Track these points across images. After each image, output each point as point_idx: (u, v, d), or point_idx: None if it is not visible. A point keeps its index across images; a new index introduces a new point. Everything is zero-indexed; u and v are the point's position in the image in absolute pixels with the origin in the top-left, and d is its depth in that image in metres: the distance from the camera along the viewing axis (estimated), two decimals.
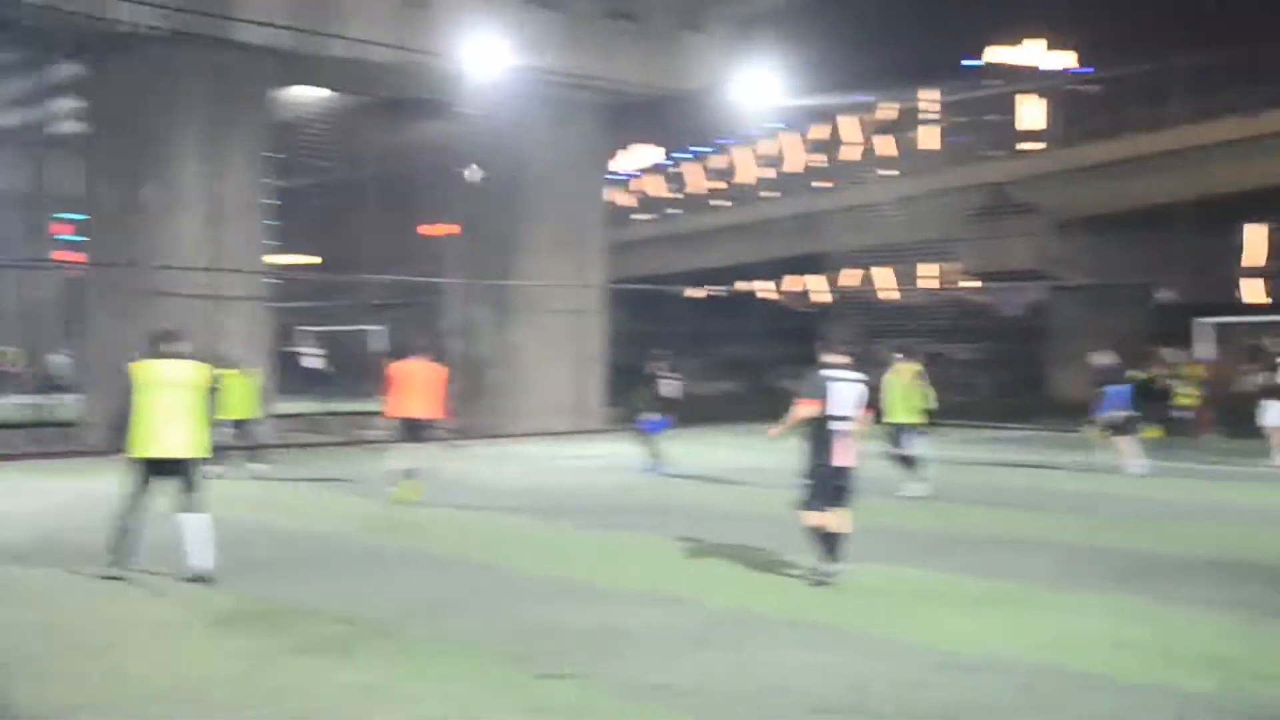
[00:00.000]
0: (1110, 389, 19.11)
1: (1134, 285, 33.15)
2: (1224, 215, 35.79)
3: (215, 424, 11.03)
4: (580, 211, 30.13)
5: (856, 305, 36.09)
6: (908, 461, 16.11)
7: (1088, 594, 9.54)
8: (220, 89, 24.07)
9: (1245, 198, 34.74)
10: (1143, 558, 11.26)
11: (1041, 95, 38.50)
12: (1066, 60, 39.17)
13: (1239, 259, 39.66)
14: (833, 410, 9.68)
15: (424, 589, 9.91)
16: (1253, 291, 39.60)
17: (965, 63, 39.06)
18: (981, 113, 36.49)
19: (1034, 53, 40.61)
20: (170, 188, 23.88)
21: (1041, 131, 35.92)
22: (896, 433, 16.08)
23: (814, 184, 42.25)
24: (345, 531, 13.23)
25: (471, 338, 29.31)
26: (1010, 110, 37.75)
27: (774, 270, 42.37)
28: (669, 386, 19.47)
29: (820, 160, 43.11)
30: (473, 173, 25.95)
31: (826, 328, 10.37)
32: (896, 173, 37.23)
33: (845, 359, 9.90)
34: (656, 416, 19.43)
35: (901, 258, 36.29)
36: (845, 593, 9.59)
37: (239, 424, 18.54)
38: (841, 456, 9.75)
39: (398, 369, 15.61)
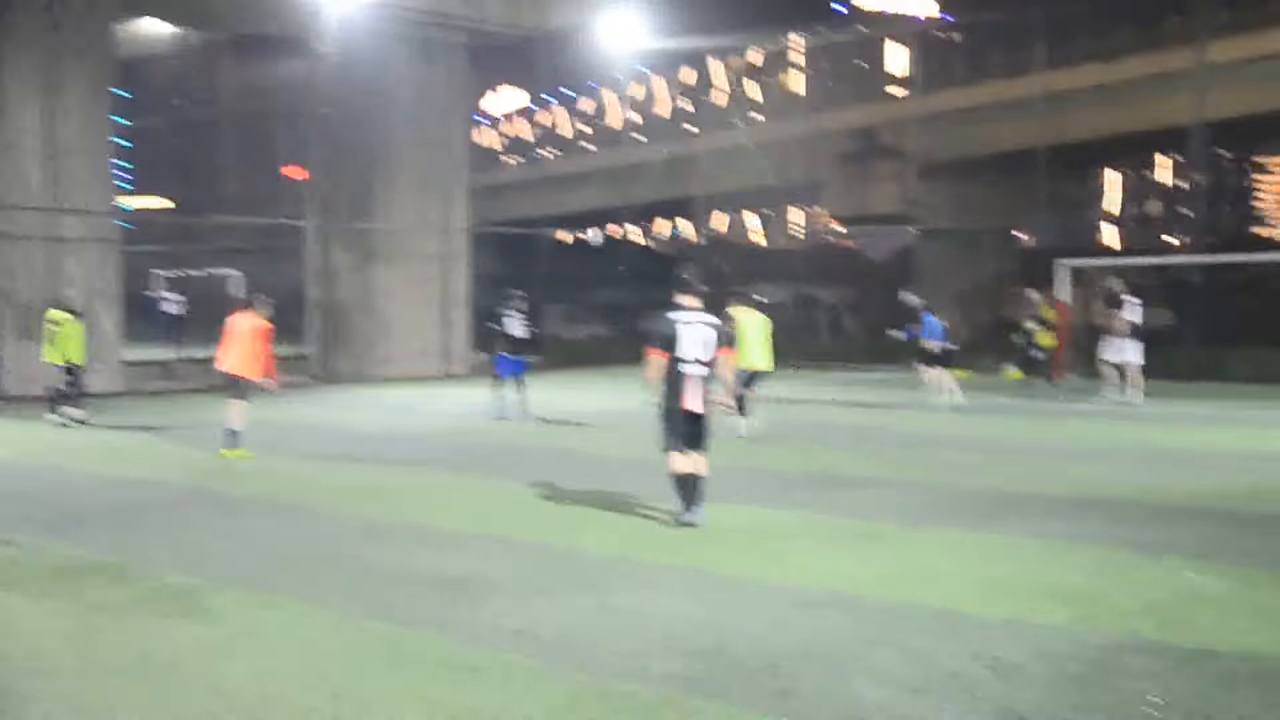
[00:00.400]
0: (911, 327, 20.24)
1: (997, 229, 33.67)
2: (1083, 161, 36.52)
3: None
4: (445, 154, 29.46)
5: (725, 249, 36.00)
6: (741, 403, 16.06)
7: (945, 531, 9.56)
8: (58, 20, 22.81)
9: (1104, 144, 35.47)
10: (999, 496, 11.31)
11: (906, 41, 38.71)
12: (929, 7, 39.42)
13: (1098, 204, 40.60)
14: (682, 354, 9.58)
15: (275, 539, 9.51)
16: (1111, 235, 40.61)
17: (834, 6, 39.06)
18: (849, 58, 36.54)
19: None
20: (4, 125, 22.62)
21: (907, 77, 36.13)
22: (748, 377, 15.90)
23: (682, 128, 42.06)
24: (190, 481, 12.68)
25: (333, 282, 28.51)
26: (877, 56, 37.90)
27: (644, 214, 42.13)
28: (516, 326, 18.98)
29: (688, 104, 42.87)
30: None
31: (677, 270, 10.22)
32: (764, 117, 37.14)
33: (696, 301, 9.81)
34: (511, 357, 18.99)
35: (770, 202, 36.26)
36: (706, 535, 9.49)
37: (71, 370, 17.83)
38: (692, 400, 9.63)
39: (229, 322, 14.81)
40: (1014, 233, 35.89)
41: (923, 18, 38.07)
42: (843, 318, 35.07)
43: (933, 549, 8.93)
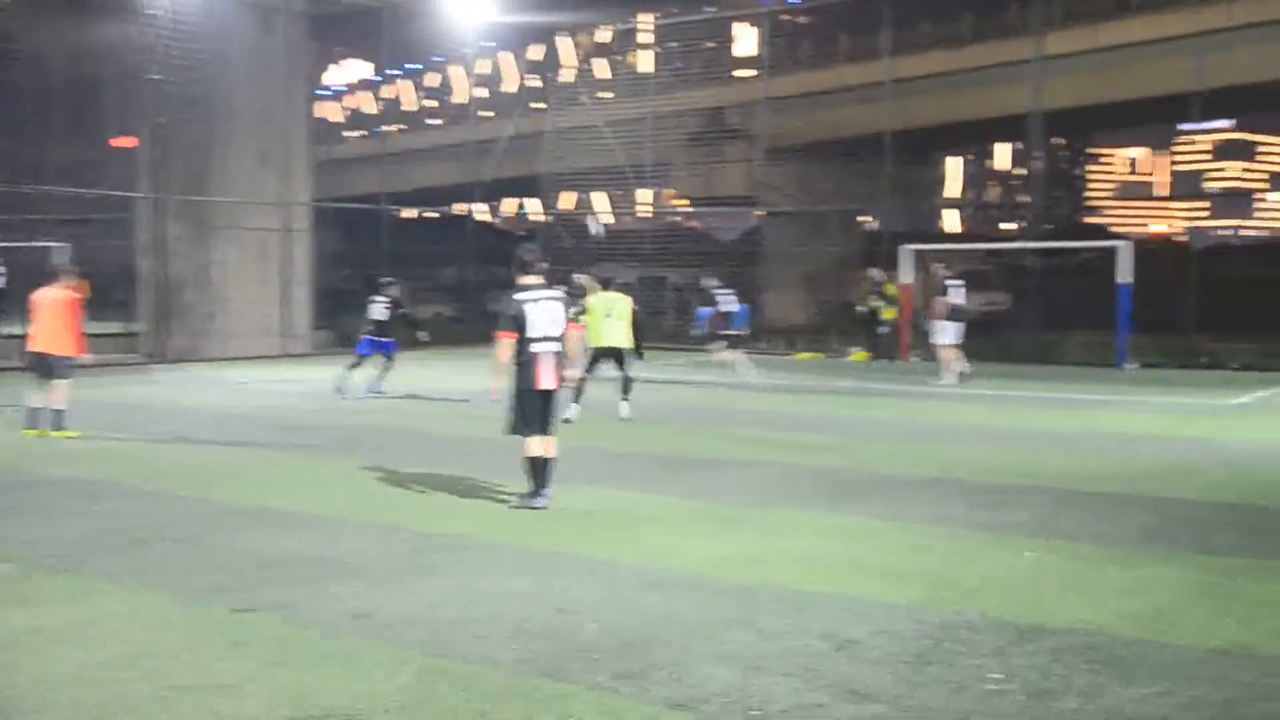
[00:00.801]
0: (704, 310, 21.36)
1: (842, 212, 34.16)
2: (928, 146, 37.28)
3: None
4: (284, 125, 28.63)
5: (573, 228, 35.79)
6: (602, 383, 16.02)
7: (795, 512, 9.61)
8: None
9: (947, 130, 36.30)
10: (847, 477, 11.44)
11: (755, 23, 38.96)
12: None
13: (942, 189, 41.50)
14: (531, 333, 9.47)
15: (109, 523, 9.08)
16: (953, 220, 41.58)
17: None
18: (698, 38, 36.61)
19: None
20: None
21: (755, 59, 36.37)
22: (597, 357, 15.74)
23: (531, 105, 41.66)
24: (15, 464, 12.07)
25: (166, 256, 27.45)
26: (726, 37, 38.06)
27: (491, 192, 41.61)
28: (378, 310, 19.09)
29: (537, 81, 42.48)
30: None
31: (518, 250, 10.04)
32: (613, 96, 37.01)
33: (540, 279, 9.73)
34: (375, 339, 19.10)
35: (618, 182, 36.15)
36: (557, 517, 9.39)
37: None
38: (545, 379, 9.55)
39: (35, 296, 14.07)
40: (859, 216, 36.50)
41: (770, 0, 38.43)
42: (691, 299, 35.21)
43: (782, 529, 8.96)
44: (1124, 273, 24.54)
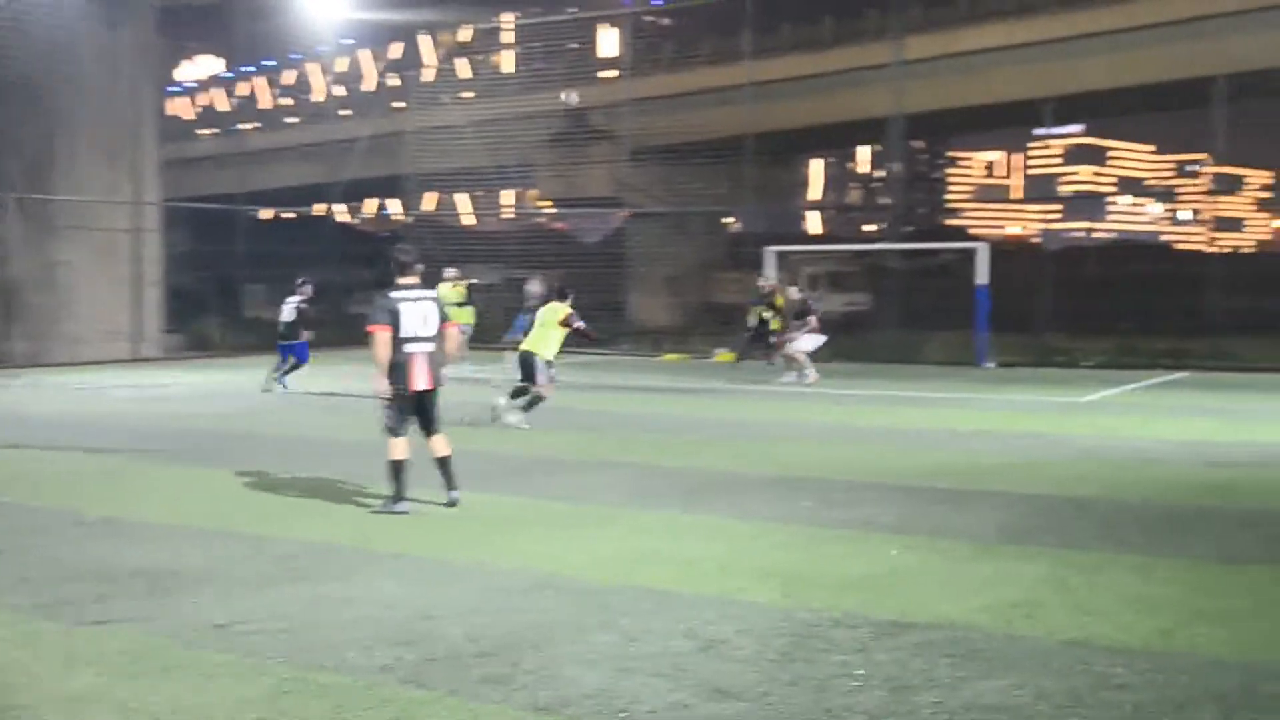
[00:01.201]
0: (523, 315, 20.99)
1: (706, 214, 34.35)
2: (790, 149, 37.72)
3: None
4: (133, 122, 27.72)
5: (436, 230, 35.32)
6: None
7: (660, 513, 9.59)
8: None
9: (809, 133, 36.76)
10: (710, 476, 11.45)
11: (617, 24, 38.97)
12: None
13: (805, 191, 42.01)
14: (404, 333, 9.44)
15: None
16: (815, 222, 42.12)
17: None
18: (560, 38, 36.46)
19: None
20: None
21: (618, 61, 36.42)
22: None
23: (392, 105, 41.05)
24: None
25: (5, 256, 26.35)
26: (589, 38, 37.96)
27: (351, 192, 40.88)
28: (287, 312, 20.03)
29: (397, 80, 41.80)
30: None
31: (394, 250, 10.02)
32: (474, 95, 36.65)
33: (414, 279, 9.73)
34: (283, 341, 20.05)
35: (482, 183, 35.80)
36: (422, 521, 9.26)
37: None
38: (418, 380, 9.51)
39: None
40: (724, 218, 36.74)
41: (631, 0, 38.43)
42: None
43: (645, 530, 8.93)
44: (982, 274, 25.12)
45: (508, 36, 37.13)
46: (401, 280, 9.60)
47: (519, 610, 6.74)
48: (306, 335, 20.08)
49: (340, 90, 46.00)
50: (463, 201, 46.76)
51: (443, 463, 9.68)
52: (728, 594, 7.04)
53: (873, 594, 7.04)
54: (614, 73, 37.15)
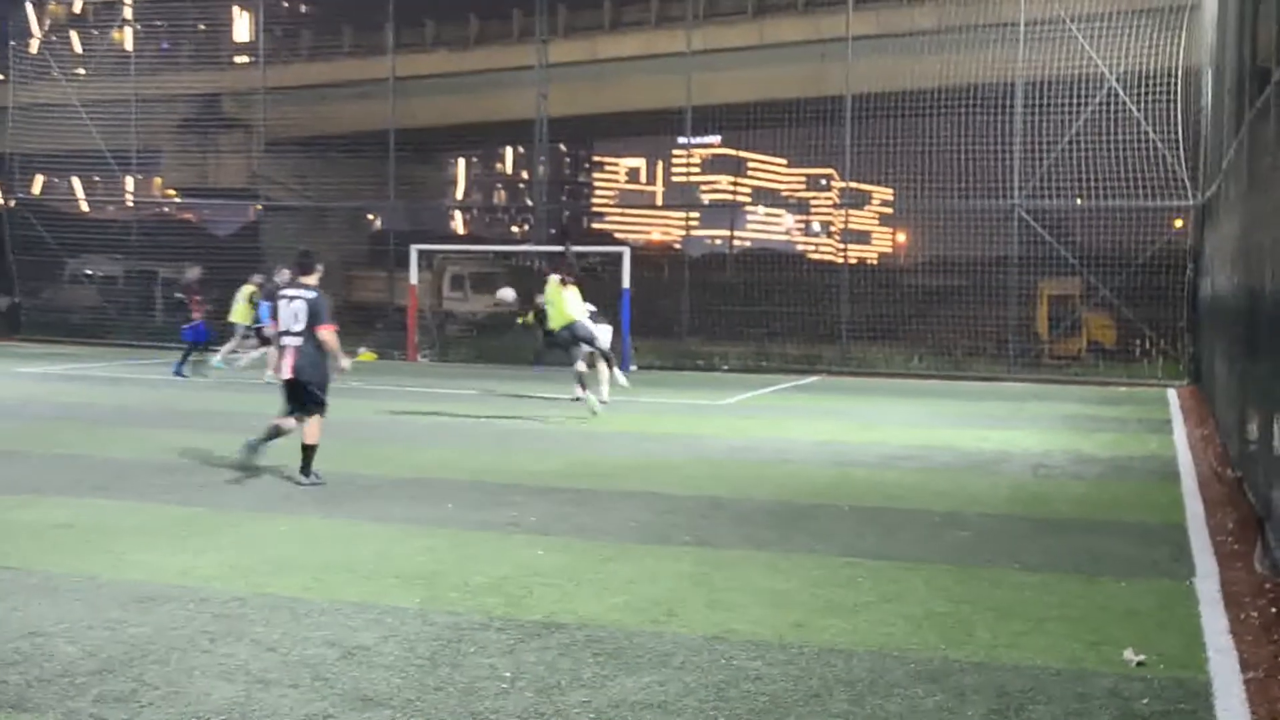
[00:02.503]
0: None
1: (346, 209, 33.48)
2: (434, 146, 37.30)
3: None
4: None
5: (45, 215, 32.70)
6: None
7: (285, 517, 9.24)
8: None
9: (453, 131, 36.50)
10: (346, 479, 11.13)
11: (249, 8, 37.41)
12: None
13: (451, 190, 41.64)
14: (280, 326, 10.78)
15: None
16: (460, 222, 41.81)
17: None
18: (188, 19, 34.54)
19: None
20: None
21: (253, 47, 34.95)
22: None
23: None
24: None
25: None
26: (221, 20, 36.20)
27: None
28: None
29: None
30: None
31: (300, 249, 11.65)
32: (85, 72, 34.15)
33: (312, 279, 10.87)
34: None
35: (99, 167, 33.44)
36: (25, 531, 8.53)
37: None
38: (285, 370, 10.80)
39: None
40: (365, 215, 35.93)
41: None
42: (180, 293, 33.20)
43: (272, 536, 8.55)
44: (625, 278, 25.63)
45: (128, 12, 34.83)
46: (301, 279, 10.85)
47: (142, 623, 6.30)
48: None
49: None
50: (77, 186, 43.63)
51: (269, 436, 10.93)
52: (369, 600, 6.82)
53: (518, 595, 6.97)
54: (247, 59, 35.61)
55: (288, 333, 10.66)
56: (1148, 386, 22.87)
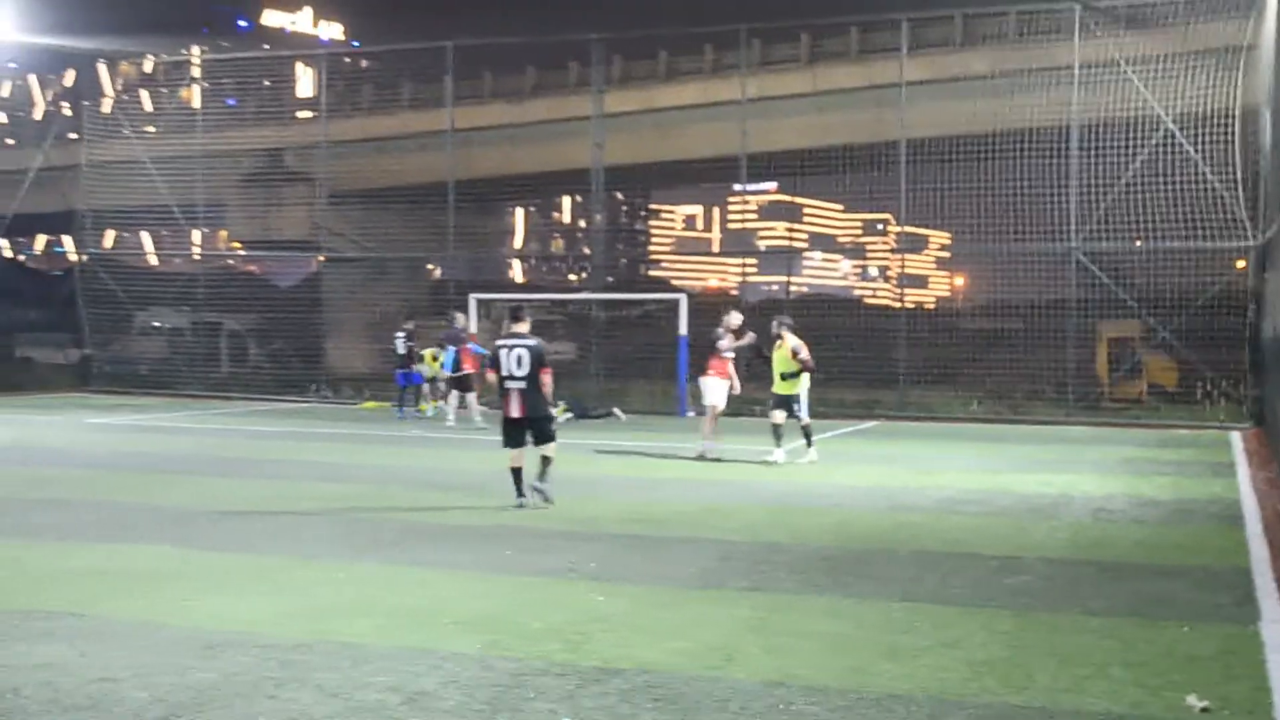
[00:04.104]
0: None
1: (407, 259, 33.89)
2: (492, 197, 37.65)
3: None
4: None
5: (116, 269, 33.38)
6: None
7: (349, 564, 9.33)
8: None
9: (510, 181, 36.83)
10: (400, 526, 11.22)
11: (312, 64, 38.10)
12: (335, 31, 39.06)
13: (508, 239, 41.98)
14: (502, 372, 11.96)
15: None
16: (518, 270, 42.15)
17: (239, 23, 37.57)
18: (254, 75, 35.29)
19: (306, 20, 40.04)
20: None
21: (315, 102, 35.65)
22: None
23: (67, 135, 38.62)
24: None
25: None
26: (285, 76, 36.93)
27: (16, 227, 38.11)
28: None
29: (71, 110, 39.30)
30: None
31: (510, 306, 13.00)
32: (157, 130, 34.94)
33: (520, 325, 12.19)
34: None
35: (167, 221, 34.14)
36: (88, 576, 8.70)
37: None
38: (513, 410, 11.98)
39: None
40: (425, 265, 36.31)
41: (328, 40, 37.58)
42: (247, 345, 33.77)
43: (332, 582, 8.67)
44: (683, 324, 25.73)
45: (196, 71, 35.64)
46: (514, 328, 12.12)
47: (206, 669, 6.38)
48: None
49: (2, 117, 42.74)
50: (146, 240, 44.45)
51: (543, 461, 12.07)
52: (429, 645, 6.89)
53: (577, 641, 7.02)
54: (310, 113, 36.25)
55: (511, 377, 11.89)
56: (1210, 429, 22.55)
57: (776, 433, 16.46)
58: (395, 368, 24.42)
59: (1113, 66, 24.21)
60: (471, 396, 22.04)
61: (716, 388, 17.24)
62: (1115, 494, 13.63)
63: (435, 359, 22.80)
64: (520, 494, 12.07)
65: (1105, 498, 13.32)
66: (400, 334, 24.27)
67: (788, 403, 16.42)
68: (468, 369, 21.71)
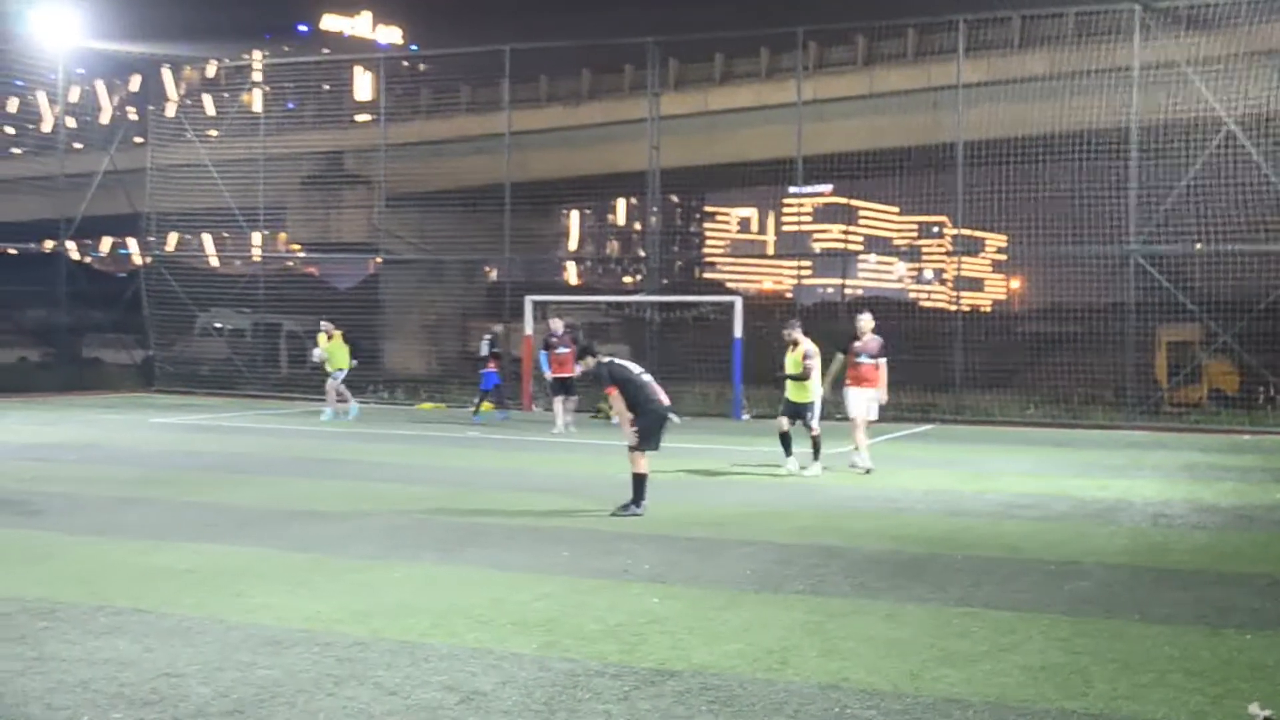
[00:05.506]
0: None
1: (463, 261, 34.15)
2: (547, 199, 37.85)
3: None
4: None
5: (178, 271, 33.89)
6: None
7: (409, 564, 9.40)
8: None
9: (566, 184, 37.02)
10: (462, 526, 11.30)
11: (370, 68, 38.45)
12: (393, 35, 39.41)
13: (564, 241, 42.15)
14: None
15: None
16: (573, 272, 42.27)
17: (299, 28, 38.01)
18: (313, 79, 35.72)
19: (365, 25, 40.43)
20: None
21: (374, 105, 35.98)
22: None
23: (131, 139, 39.26)
24: None
25: None
26: (343, 80, 37.36)
27: (84, 229, 38.83)
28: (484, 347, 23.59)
29: (137, 114, 39.96)
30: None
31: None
32: (221, 134, 35.46)
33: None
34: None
35: (229, 224, 34.63)
36: (156, 574, 8.82)
37: None
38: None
39: None
40: (481, 266, 36.56)
41: (386, 44, 37.93)
42: (306, 346, 34.12)
43: (397, 582, 8.74)
44: (738, 327, 25.72)
45: (257, 75, 36.13)
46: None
47: (269, 665, 6.48)
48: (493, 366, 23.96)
49: (71, 122, 43.55)
50: (208, 242, 45.08)
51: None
52: (485, 644, 6.95)
53: (632, 643, 7.05)
54: (369, 117, 36.61)
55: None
56: (1272, 435, 22.23)
57: (783, 441, 15.83)
58: (480, 369, 24.75)
59: (1173, 67, 23.95)
60: (569, 401, 21.88)
61: (855, 398, 16.24)
62: (1175, 499, 13.49)
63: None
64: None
65: (1164, 503, 13.18)
66: (487, 337, 24.82)
67: (799, 411, 15.78)
68: (562, 372, 21.34)
